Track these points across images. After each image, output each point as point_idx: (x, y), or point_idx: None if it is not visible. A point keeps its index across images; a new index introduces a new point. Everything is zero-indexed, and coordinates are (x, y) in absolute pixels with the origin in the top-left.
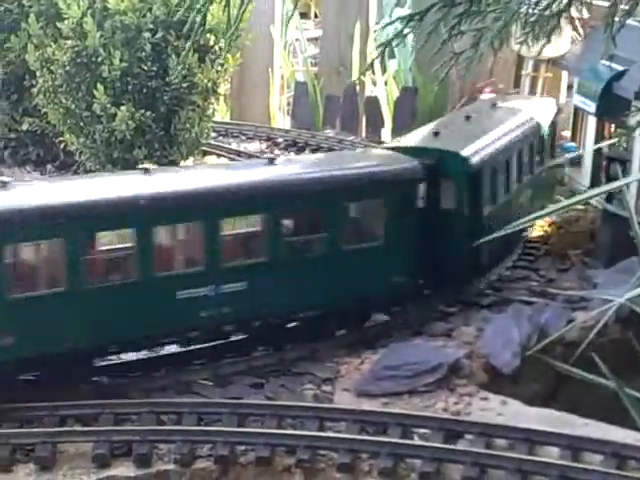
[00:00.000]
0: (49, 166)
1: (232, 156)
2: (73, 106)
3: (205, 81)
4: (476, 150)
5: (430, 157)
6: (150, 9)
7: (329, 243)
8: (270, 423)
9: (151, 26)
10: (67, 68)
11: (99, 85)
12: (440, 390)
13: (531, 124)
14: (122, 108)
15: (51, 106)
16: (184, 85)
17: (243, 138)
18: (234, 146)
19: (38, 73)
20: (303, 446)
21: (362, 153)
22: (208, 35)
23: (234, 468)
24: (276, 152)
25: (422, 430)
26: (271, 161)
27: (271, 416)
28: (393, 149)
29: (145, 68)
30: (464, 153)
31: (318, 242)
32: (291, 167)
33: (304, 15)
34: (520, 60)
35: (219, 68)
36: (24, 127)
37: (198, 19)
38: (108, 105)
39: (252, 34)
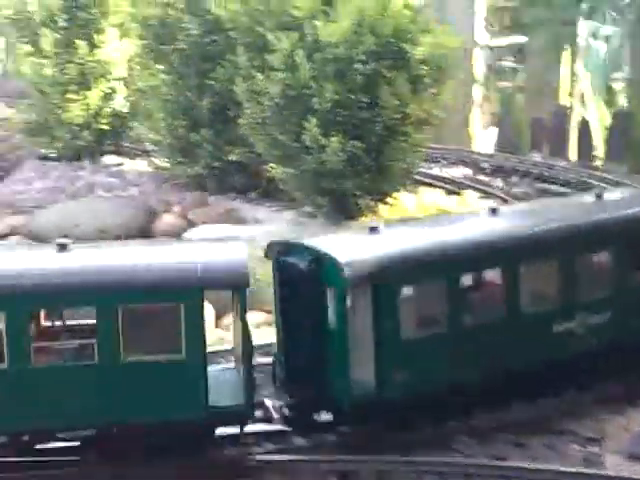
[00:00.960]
0: (252, 194)
1: (438, 183)
2: (282, 137)
3: (419, 112)
4: (383, 258)
5: (309, 260)
6: (361, 41)
7: (102, 352)
8: None
9: (363, 57)
10: (277, 100)
11: (310, 117)
12: None
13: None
14: (333, 139)
15: (259, 137)
16: (396, 116)
17: (445, 163)
18: (435, 172)
19: (246, 104)
20: None
21: (187, 246)
22: (421, 65)
23: None
24: (481, 178)
25: None
26: (63, 247)
27: None
28: (283, 244)
29: (356, 99)
30: (345, 259)
31: (86, 350)
32: (81, 255)
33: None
34: None
35: (432, 98)
36: (232, 157)
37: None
38: (319, 136)
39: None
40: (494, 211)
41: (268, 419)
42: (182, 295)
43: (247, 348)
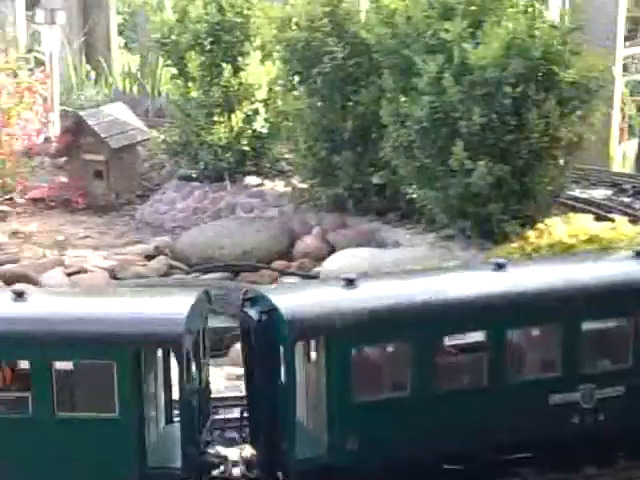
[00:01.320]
0: (390, 215)
1: (579, 205)
2: (427, 160)
3: (570, 135)
4: (338, 314)
5: (262, 313)
6: (510, 63)
7: (36, 405)
8: None
9: (512, 80)
10: (423, 124)
11: (456, 140)
12: None
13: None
14: (480, 163)
15: (403, 160)
16: (545, 139)
17: (586, 184)
18: (576, 193)
19: (390, 127)
20: None
21: (134, 299)
22: (571, 87)
23: None
24: (623, 199)
25: None
26: (19, 296)
27: None
28: (249, 293)
29: (504, 122)
30: (292, 314)
31: (23, 402)
32: (31, 305)
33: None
34: None
35: (581, 121)
36: (375, 180)
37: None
38: (465, 160)
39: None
40: (500, 266)
41: (226, 478)
42: (113, 352)
43: (185, 407)
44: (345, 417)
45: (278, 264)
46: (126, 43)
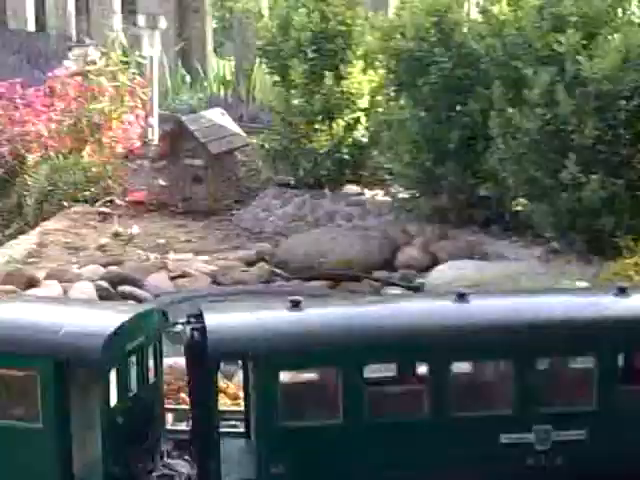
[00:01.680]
0: (494, 227)
1: None
2: (538, 174)
3: None
4: (267, 337)
5: (194, 330)
6: (625, 76)
7: None
8: None
9: (627, 93)
10: (534, 136)
11: (570, 154)
12: None
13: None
14: (593, 177)
15: (511, 172)
16: None
17: None
18: None
19: (499, 139)
20: None
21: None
22: None
23: None
24: None
25: None
26: None
27: None
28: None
29: (618, 135)
30: (217, 335)
31: None
32: None
33: None
34: None
35: None
36: (482, 192)
37: None
38: (578, 174)
39: None
40: (461, 297)
41: None
42: (37, 363)
43: (105, 425)
44: (271, 441)
45: (379, 274)
46: (215, 48)
